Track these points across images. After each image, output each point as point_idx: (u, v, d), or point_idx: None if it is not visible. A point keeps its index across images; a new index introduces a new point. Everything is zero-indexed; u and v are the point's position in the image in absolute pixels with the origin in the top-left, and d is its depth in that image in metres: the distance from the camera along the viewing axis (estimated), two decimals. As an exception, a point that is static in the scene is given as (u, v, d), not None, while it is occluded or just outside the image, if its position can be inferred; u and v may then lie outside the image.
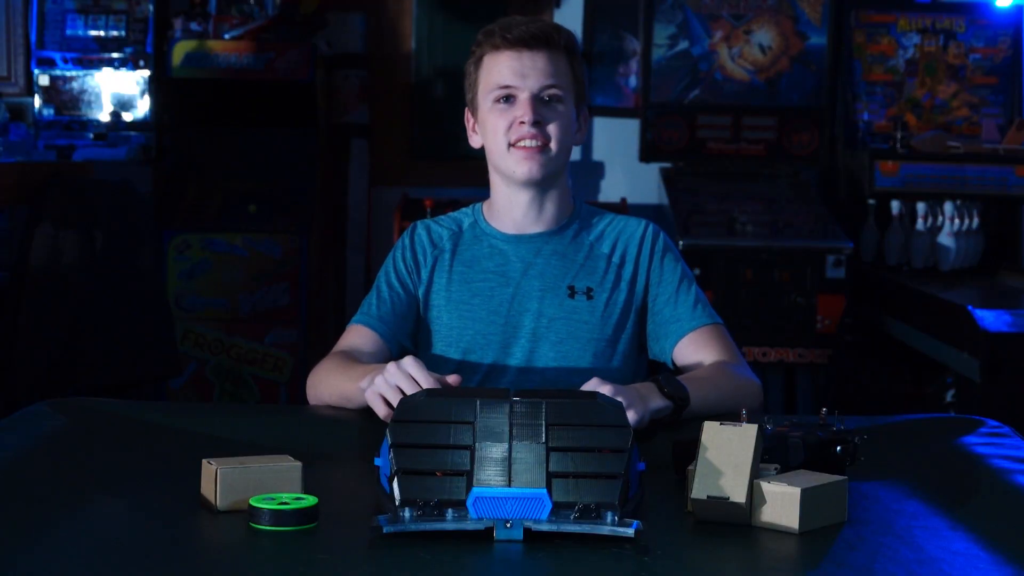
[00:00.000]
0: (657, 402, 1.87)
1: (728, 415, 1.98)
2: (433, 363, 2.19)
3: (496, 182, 2.22)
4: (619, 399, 1.58)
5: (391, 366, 1.83)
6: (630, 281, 2.19)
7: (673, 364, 2.17)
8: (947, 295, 4.17)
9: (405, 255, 2.24)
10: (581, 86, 2.19)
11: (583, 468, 1.39)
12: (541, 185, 2.17)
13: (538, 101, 2.11)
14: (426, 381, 1.79)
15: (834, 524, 1.47)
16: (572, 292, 2.16)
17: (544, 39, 2.12)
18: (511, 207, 2.21)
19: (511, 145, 2.12)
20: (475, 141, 2.23)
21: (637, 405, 1.81)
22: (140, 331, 3.93)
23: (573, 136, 2.17)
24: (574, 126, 2.17)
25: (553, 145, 2.12)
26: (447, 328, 2.18)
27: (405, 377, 1.81)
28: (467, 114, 2.24)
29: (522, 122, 2.10)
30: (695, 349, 2.14)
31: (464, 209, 2.31)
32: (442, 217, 2.31)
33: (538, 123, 2.10)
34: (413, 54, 5.47)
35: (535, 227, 2.21)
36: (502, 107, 2.13)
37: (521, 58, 2.11)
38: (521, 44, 2.11)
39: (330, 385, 2.06)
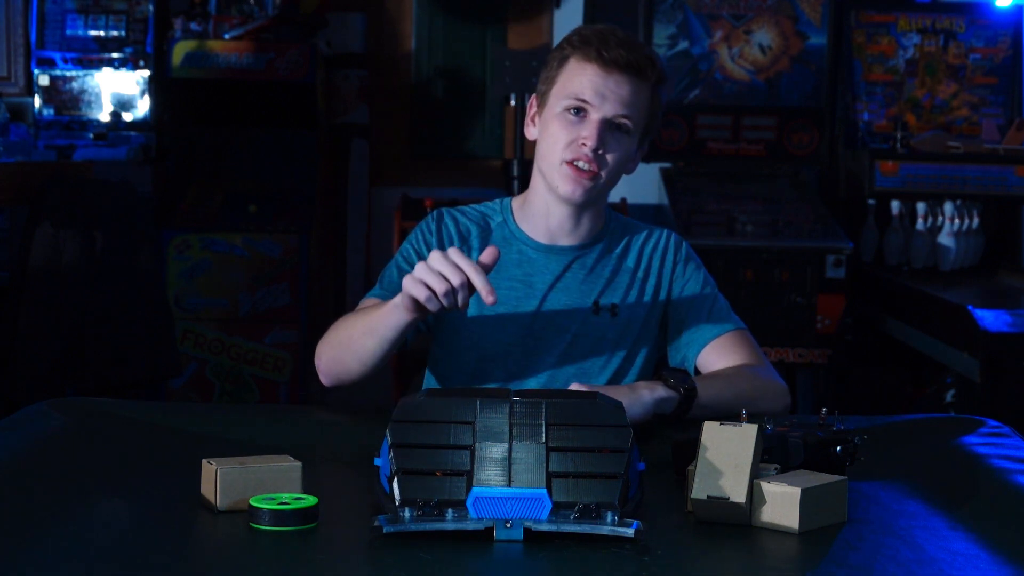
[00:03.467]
0: (659, 391, 1.86)
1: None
2: (448, 366, 2.17)
3: (538, 185, 2.15)
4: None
5: (435, 253, 1.76)
6: (653, 294, 2.16)
7: (696, 372, 2.13)
8: (947, 295, 4.17)
9: (429, 240, 2.16)
10: (654, 122, 2.13)
11: (583, 468, 1.39)
12: (580, 206, 2.13)
13: (606, 126, 2.05)
14: (469, 267, 1.72)
15: (834, 524, 1.47)
16: (597, 309, 2.13)
17: (636, 68, 2.05)
18: (548, 215, 2.15)
19: (565, 161, 2.07)
20: (531, 132, 2.17)
21: (629, 398, 1.79)
22: (140, 331, 3.92)
23: (625, 167, 2.11)
24: (631, 158, 2.12)
25: (604, 174, 2.07)
26: (467, 332, 2.12)
27: (449, 263, 1.73)
28: (532, 101, 2.17)
29: (584, 144, 2.04)
30: (719, 355, 2.11)
31: (491, 204, 2.24)
32: (467, 208, 2.23)
33: (598, 150, 2.05)
34: (413, 54, 5.47)
35: (568, 240, 2.16)
36: (571, 119, 2.06)
37: (607, 78, 2.04)
38: (613, 65, 2.04)
39: (352, 325, 1.97)
